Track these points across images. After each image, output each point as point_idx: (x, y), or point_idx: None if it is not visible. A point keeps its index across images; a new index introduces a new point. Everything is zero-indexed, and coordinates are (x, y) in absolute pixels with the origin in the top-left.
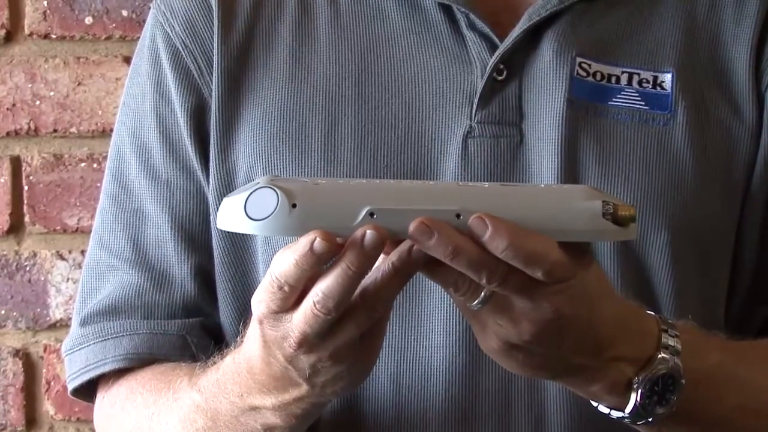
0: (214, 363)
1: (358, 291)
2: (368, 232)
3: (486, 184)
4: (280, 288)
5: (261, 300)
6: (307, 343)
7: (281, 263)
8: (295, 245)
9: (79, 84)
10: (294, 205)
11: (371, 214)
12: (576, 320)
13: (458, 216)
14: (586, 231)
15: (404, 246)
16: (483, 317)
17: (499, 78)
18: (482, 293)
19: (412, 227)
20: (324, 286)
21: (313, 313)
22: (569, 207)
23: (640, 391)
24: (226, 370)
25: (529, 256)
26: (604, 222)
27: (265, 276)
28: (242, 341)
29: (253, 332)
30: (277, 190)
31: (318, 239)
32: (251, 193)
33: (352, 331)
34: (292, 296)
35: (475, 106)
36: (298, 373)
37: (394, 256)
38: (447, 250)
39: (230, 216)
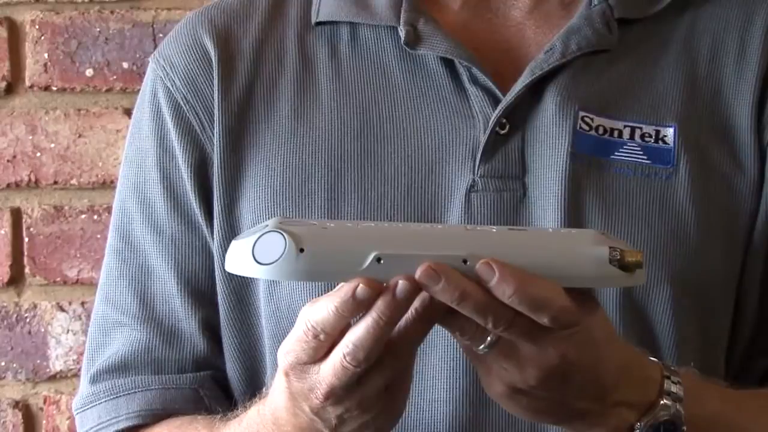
0: (236, 416)
1: None
2: (400, 282)
3: (493, 228)
4: (316, 336)
5: (290, 350)
6: (335, 395)
7: (318, 311)
8: (334, 293)
9: (79, 136)
10: (302, 250)
11: (378, 260)
12: (581, 366)
13: (465, 261)
14: (592, 277)
15: (426, 293)
16: (488, 361)
17: (502, 132)
18: (488, 338)
19: (419, 272)
20: (354, 338)
21: (343, 365)
22: (576, 253)
23: None
24: (251, 422)
25: (535, 302)
26: (611, 268)
27: (296, 326)
28: (267, 393)
29: (278, 383)
30: (285, 234)
31: (361, 286)
32: (259, 237)
33: (378, 382)
34: (326, 346)
35: (478, 160)
36: (324, 424)
37: (417, 302)
38: (454, 295)
39: (238, 259)
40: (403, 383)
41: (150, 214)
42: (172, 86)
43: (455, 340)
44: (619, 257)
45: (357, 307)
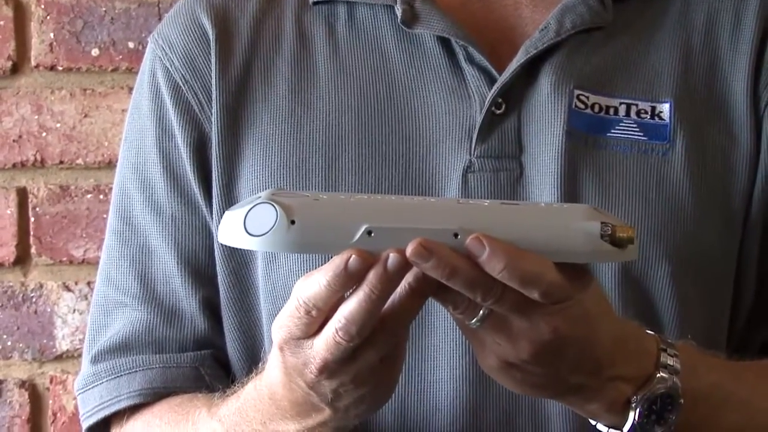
0: (234, 392)
1: None
2: (391, 255)
3: (486, 202)
4: (308, 312)
5: (283, 325)
6: (329, 369)
7: (309, 286)
8: (325, 267)
9: (85, 116)
10: (293, 222)
11: (369, 233)
12: (574, 340)
13: (456, 235)
14: (583, 252)
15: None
16: (482, 336)
17: (498, 112)
18: (480, 312)
19: (409, 250)
20: (347, 312)
21: (336, 340)
22: (567, 228)
23: (638, 410)
24: (248, 397)
25: (525, 278)
26: (602, 243)
27: (289, 301)
28: (263, 368)
29: (273, 359)
30: (276, 206)
31: (354, 257)
32: (251, 208)
33: (372, 356)
34: (318, 321)
35: (474, 140)
36: (320, 398)
37: (410, 276)
38: (444, 272)
39: (230, 231)
40: (397, 357)
41: (150, 195)
42: (171, 66)
43: (454, 322)
44: (610, 232)
45: (348, 280)
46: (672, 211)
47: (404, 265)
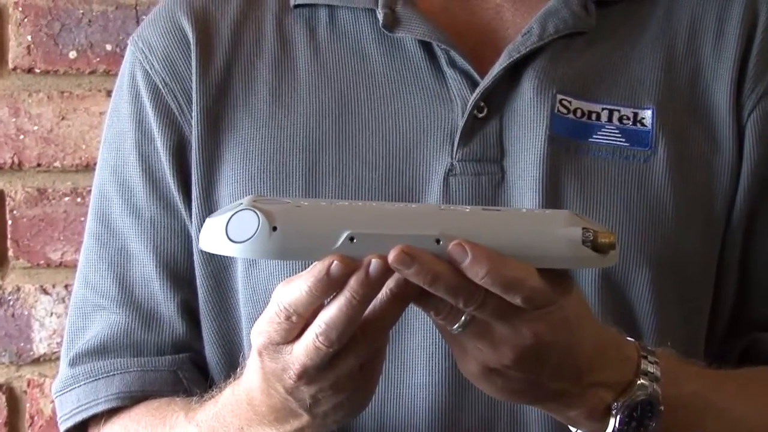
0: (212, 396)
1: None
2: (373, 260)
3: (467, 208)
4: (288, 317)
5: (262, 331)
6: (308, 375)
7: (290, 291)
8: (307, 272)
9: (63, 118)
10: (274, 228)
11: (351, 239)
12: (555, 346)
13: (438, 241)
14: (565, 258)
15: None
16: (463, 341)
17: (480, 115)
18: (462, 317)
19: (391, 256)
20: (327, 318)
21: (315, 345)
22: (549, 233)
23: (618, 416)
24: (225, 402)
25: (507, 284)
26: (584, 249)
27: (269, 306)
28: (241, 373)
29: (252, 364)
30: (258, 212)
31: (336, 262)
32: (233, 215)
33: (352, 362)
34: (299, 326)
35: (456, 143)
36: (298, 404)
37: (392, 282)
38: (426, 278)
39: (212, 237)
40: (376, 363)
41: (129, 198)
42: (151, 69)
43: (433, 326)
44: (592, 238)
45: (330, 286)
46: (653, 217)
47: (386, 271)
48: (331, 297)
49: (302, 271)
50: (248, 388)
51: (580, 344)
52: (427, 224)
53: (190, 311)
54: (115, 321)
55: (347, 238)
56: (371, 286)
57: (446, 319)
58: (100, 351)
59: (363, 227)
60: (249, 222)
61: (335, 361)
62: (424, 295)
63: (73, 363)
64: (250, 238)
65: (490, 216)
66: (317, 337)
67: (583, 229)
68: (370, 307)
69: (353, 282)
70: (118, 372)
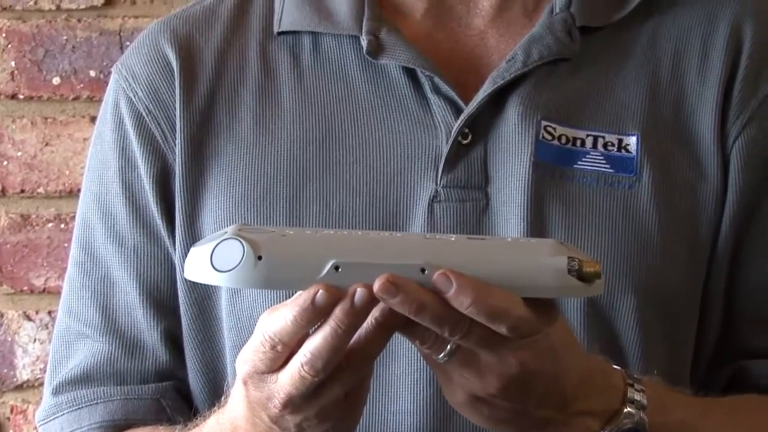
0: (196, 425)
1: None
2: (358, 289)
3: (452, 237)
4: (273, 347)
5: (247, 360)
6: (293, 404)
7: (275, 321)
8: (292, 302)
9: (46, 144)
10: (260, 257)
11: (336, 268)
12: (541, 375)
13: (423, 270)
14: (551, 287)
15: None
16: (449, 370)
17: (464, 142)
18: (448, 346)
19: (376, 285)
20: (312, 347)
21: (300, 375)
22: (534, 263)
23: None
24: (210, 431)
25: (492, 313)
26: (570, 278)
27: (254, 335)
28: (226, 401)
29: (237, 392)
30: (243, 241)
31: (321, 291)
32: (217, 244)
33: (337, 391)
34: (284, 355)
35: (440, 170)
36: None
37: (377, 311)
38: (411, 307)
39: (197, 266)
40: (361, 392)
41: (112, 226)
42: (135, 96)
43: (419, 354)
44: (577, 267)
45: (315, 315)
46: (638, 244)
47: (371, 300)
48: (317, 326)
49: (286, 299)
50: (233, 417)
51: (565, 372)
52: (412, 253)
53: (173, 339)
54: (99, 349)
55: (332, 267)
56: (356, 315)
57: (432, 348)
58: (83, 379)
59: (348, 256)
60: (234, 251)
61: (320, 390)
62: (409, 325)
63: (57, 392)
64: (234, 268)
65: (476, 245)
66: (302, 366)
67: (569, 258)
68: (356, 336)
69: (338, 311)
70: (102, 400)
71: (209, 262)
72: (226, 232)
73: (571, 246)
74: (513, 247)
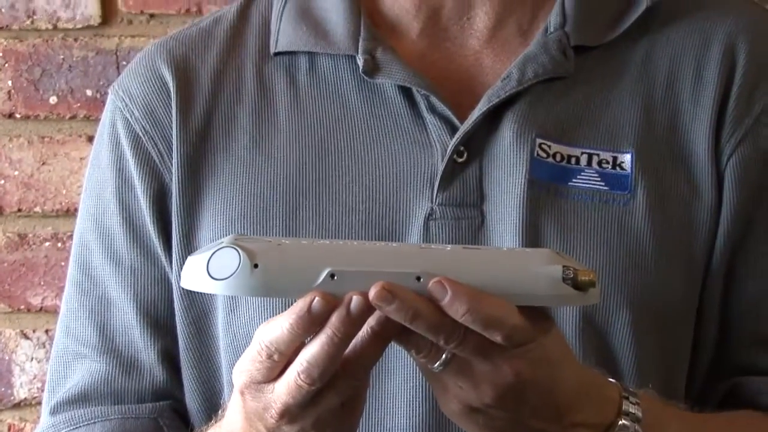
0: None
1: None
2: (354, 297)
3: (448, 247)
4: (270, 356)
5: (244, 370)
6: (290, 413)
7: (272, 330)
8: (288, 311)
9: (43, 163)
10: (256, 265)
11: (332, 276)
12: (536, 384)
13: (418, 279)
14: (546, 295)
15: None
16: (444, 379)
17: (460, 160)
18: (443, 355)
19: (372, 293)
20: (308, 355)
21: (297, 384)
22: (529, 271)
23: None
24: None
25: (487, 321)
26: (565, 287)
27: (251, 346)
28: (223, 414)
29: (234, 404)
30: (239, 249)
31: (318, 299)
32: (214, 252)
33: (333, 400)
34: (280, 365)
35: (436, 188)
36: None
37: (373, 320)
38: (407, 315)
39: (193, 275)
40: (357, 401)
41: (109, 245)
42: (131, 117)
43: (414, 366)
44: (572, 276)
45: (311, 323)
46: (633, 261)
47: (367, 308)
48: (313, 335)
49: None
50: (231, 428)
51: (561, 383)
52: (407, 262)
53: (170, 358)
54: (96, 369)
55: (328, 275)
56: (352, 323)
57: (427, 357)
58: (81, 399)
59: (343, 264)
60: (230, 259)
61: (317, 399)
62: (405, 333)
63: (54, 411)
64: (231, 275)
65: (471, 254)
66: (299, 375)
67: (564, 266)
68: (352, 345)
69: (334, 319)
70: (99, 420)
71: (206, 270)
72: (222, 242)
73: (566, 255)
74: (508, 256)
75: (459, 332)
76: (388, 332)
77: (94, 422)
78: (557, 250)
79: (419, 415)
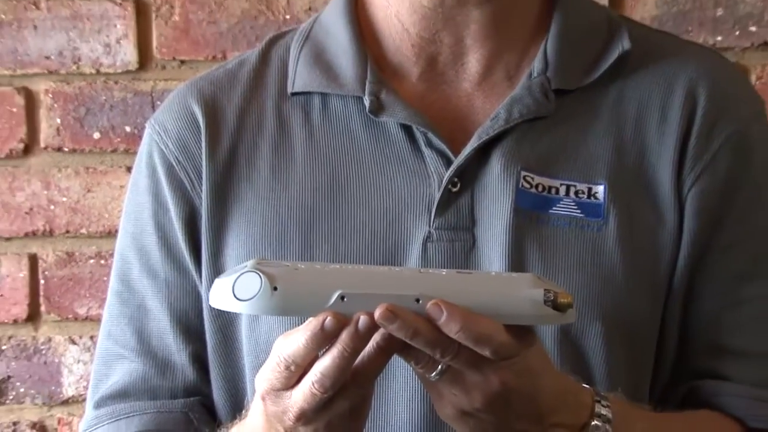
0: None
1: None
2: (362, 317)
3: (443, 272)
4: (287, 368)
5: (265, 378)
6: (305, 416)
7: (289, 344)
8: (303, 327)
9: (88, 191)
10: (275, 288)
11: (342, 298)
12: (520, 391)
13: (418, 300)
14: (529, 315)
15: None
16: (440, 387)
17: (454, 189)
18: (439, 367)
19: (377, 313)
20: (322, 367)
21: (311, 391)
22: (514, 294)
23: None
24: None
25: (478, 338)
26: (545, 308)
27: (271, 357)
28: (246, 414)
29: (256, 407)
30: (260, 274)
31: (329, 318)
32: (239, 276)
33: (344, 406)
34: (297, 375)
35: (433, 214)
36: None
37: (378, 336)
38: (408, 332)
39: (220, 296)
40: (364, 406)
41: (146, 261)
42: (166, 148)
43: (414, 375)
44: (552, 298)
45: (324, 339)
46: (605, 280)
47: (373, 326)
48: (325, 349)
49: (299, 325)
50: (252, 428)
51: (541, 390)
52: (408, 285)
53: (200, 360)
54: (135, 369)
55: (339, 297)
56: (360, 339)
57: (425, 368)
58: (121, 395)
59: (353, 288)
60: (253, 282)
61: (329, 405)
62: (406, 348)
63: (98, 405)
64: (253, 297)
65: (464, 278)
66: (313, 384)
67: (545, 290)
68: (359, 358)
69: (344, 336)
70: (137, 413)
71: (231, 291)
72: (246, 266)
73: (546, 279)
74: (496, 280)
75: (453, 347)
76: (391, 347)
77: (133, 415)
78: (539, 275)
79: (418, 418)
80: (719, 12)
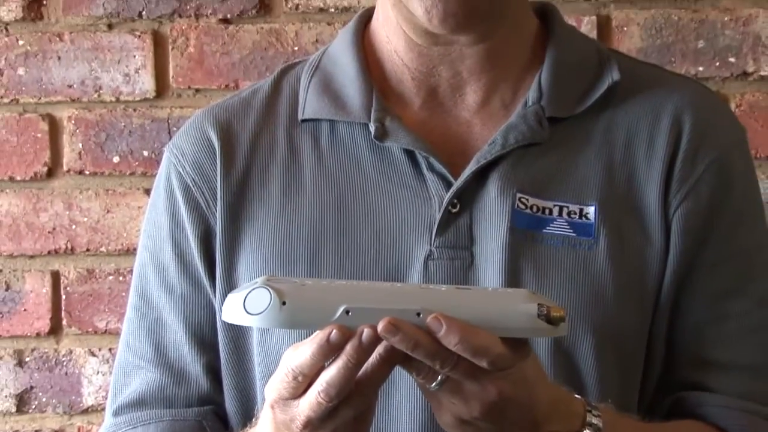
0: None
1: None
2: (365, 330)
3: (443, 287)
4: (295, 378)
5: (274, 388)
6: (312, 425)
7: (297, 356)
8: (310, 340)
9: (108, 212)
10: (284, 303)
11: (347, 312)
12: (516, 401)
13: (418, 314)
14: (523, 329)
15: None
16: (440, 397)
17: (454, 210)
18: (439, 377)
19: (380, 326)
20: (327, 377)
21: (318, 401)
22: (510, 309)
23: None
24: None
25: (476, 350)
26: (539, 322)
27: (279, 368)
28: (256, 422)
29: (265, 414)
30: (270, 290)
31: (335, 331)
32: (249, 292)
33: (348, 414)
34: (304, 385)
35: (433, 233)
36: None
37: (381, 348)
38: (409, 345)
39: (232, 310)
40: (368, 414)
41: (164, 277)
42: (183, 171)
43: (414, 385)
44: (546, 312)
45: (330, 351)
46: (596, 296)
47: (376, 339)
48: (331, 360)
49: (306, 338)
50: None
51: (536, 400)
52: (409, 300)
53: (213, 371)
54: (151, 378)
55: (344, 311)
56: (364, 351)
57: (425, 378)
58: (138, 403)
59: (357, 302)
60: (263, 298)
61: (334, 413)
62: (407, 359)
63: (117, 413)
64: (263, 311)
65: (462, 294)
66: (319, 394)
67: (539, 305)
68: (363, 369)
69: (349, 348)
70: (153, 421)
71: (242, 306)
72: (256, 282)
73: (540, 295)
74: (492, 295)
75: (452, 359)
76: (393, 358)
77: (150, 423)
78: (533, 290)
79: (419, 426)
80: (701, 44)
